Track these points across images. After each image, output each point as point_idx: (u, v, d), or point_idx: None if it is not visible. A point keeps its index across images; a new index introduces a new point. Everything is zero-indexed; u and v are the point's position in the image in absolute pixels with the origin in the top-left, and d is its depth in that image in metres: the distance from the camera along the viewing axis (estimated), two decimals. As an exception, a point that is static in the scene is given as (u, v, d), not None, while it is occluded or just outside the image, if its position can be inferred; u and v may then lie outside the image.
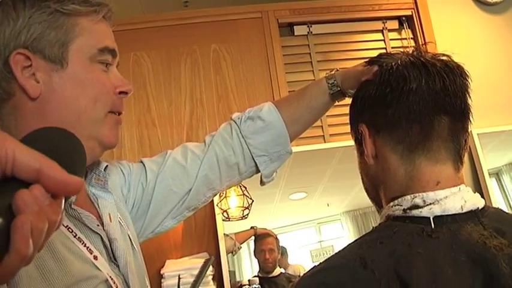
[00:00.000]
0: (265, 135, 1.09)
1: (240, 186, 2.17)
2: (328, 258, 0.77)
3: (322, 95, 1.08)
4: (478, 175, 2.41)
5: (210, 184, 1.07)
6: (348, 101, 2.48)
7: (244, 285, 2.10)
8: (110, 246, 0.81)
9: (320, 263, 0.76)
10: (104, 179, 0.90)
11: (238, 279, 2.20)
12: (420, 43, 2.57)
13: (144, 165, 1.06)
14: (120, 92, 0.86)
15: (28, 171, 0.40)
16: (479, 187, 2.39)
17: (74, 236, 0.74)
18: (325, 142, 2.41)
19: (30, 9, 0.79)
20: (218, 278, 2.09)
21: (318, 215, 2.46)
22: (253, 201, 2.15)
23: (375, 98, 0.82)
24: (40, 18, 0.79)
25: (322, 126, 2.45)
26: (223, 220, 2.17)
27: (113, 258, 0.81)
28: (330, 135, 2.43)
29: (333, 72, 1.08)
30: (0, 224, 0.38)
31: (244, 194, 2.15)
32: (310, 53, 2.56)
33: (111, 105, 0.85)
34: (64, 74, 0.79)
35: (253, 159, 1.09)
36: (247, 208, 2.16)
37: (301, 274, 2.26)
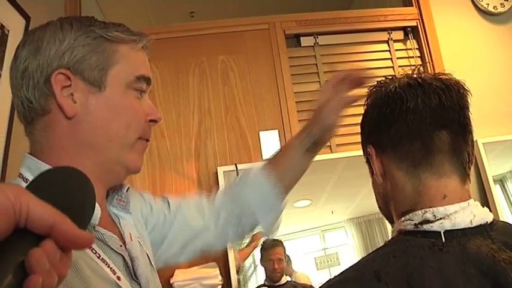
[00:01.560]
0: (255, 193, 1.12)
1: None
2: (343, 271, 0.79)
3: (303, 158, 1.14)
4: (483, 182, 2.42)
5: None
6: (355, 110, 2.51)
7: (263, 286, 2.12)
8: (132, 264, 0.83)
9: (335, 276, 0.79)
10: (125, 200, 0.92)
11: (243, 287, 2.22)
12: (426, 58, 2.59)
13: (166, 198, 1.12)
14: (151, 120, 0.89)
15: (41, 227, 0.41)
16: (484, 194, 2.41)
17: (98, 257, 0.75)
18: (331, 152, 2.43)
19: (77, 32, 0.82)
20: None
21: (322, 223, 2.47)
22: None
23: (378, 120, 0.87)
24: (84, 42, 0.82)
25: (328, 136, 2.46)
26: (231, 230, 2.18)
27: (134, 276, 0.82)
28: (337, 145, 2.45)
29: (304, 134, 1.13)
30: (11, 282, 0.39)
31: (252, 204, 2.17)
32: (316, 64, 2.58)
33: (142, 132, 0.87)
34: (101, 97, 0.82)
35: (247, 212, 1.13)
36: (255, 218, 2.18)
37: (304, 282, 2.27)
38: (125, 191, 0.93)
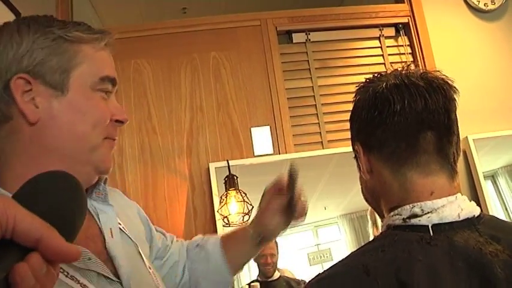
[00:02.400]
0: (207, 264, 1.16)
1: (240, 192, 2.19)
2: (333, 265, 0.80)
3: (251, 244, 1.16)
4: (473, 178, 2.44)
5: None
6: (346, 107, 2.52)
7: (254, 282, 2.13)
8: (113, 263, 0.82)
9: (324, 270, 0.80)
10: (104, 193, 0.90)
11: (235, 283, 2.22)
12: (418, 54, 2.60)
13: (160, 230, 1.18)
14: (117, 120, 0.87)
15: (28, 240, 0.40)
16: (474, 190, 2.42)
17: (66, 276, 0.73)
18: (323, 148, 2.44)
19: (34, 34, 0.79)
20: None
21: (315, 218, 2.47)
22: (253, 207, 2.18)
23: (365, 120, 0.88)
24: (43, 44, 0.79)
25: (320, 132, 2.48)
26: (223, 226, 2.19)
27: (112, 276, 0.80)
28: (328, 141, 2.46)
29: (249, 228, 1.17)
30: None
31: (244, 200, 2.17)
32: (308, 60, 2.59)
33: (107, 131, 0.85)
34: (64, 100, 0.79)
35: (197, 279, 1.16)
36: (247, 214, 2.18)
37: (289, 277, 2.28)
38: (102, 183, 0.91)
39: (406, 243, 0.77)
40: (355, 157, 0.94)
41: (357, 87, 0.94)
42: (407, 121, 0.83)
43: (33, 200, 0.45)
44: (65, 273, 0.73)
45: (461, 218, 0.79)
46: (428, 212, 0.79)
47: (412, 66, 0.90)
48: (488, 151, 2.48)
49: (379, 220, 0.98)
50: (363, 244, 0.85)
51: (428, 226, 0.78)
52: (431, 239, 0.77)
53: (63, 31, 0.80)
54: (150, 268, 0.91)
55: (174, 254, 1.14)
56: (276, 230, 1.15)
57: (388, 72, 0.91)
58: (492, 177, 2.50)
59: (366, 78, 0.93)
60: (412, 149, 0.83)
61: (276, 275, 2.29)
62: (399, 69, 0.89)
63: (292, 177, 1.04)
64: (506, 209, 2.47)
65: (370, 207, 1.00)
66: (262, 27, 2.56)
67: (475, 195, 2.41)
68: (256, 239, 1.14)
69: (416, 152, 0.83)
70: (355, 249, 0.83)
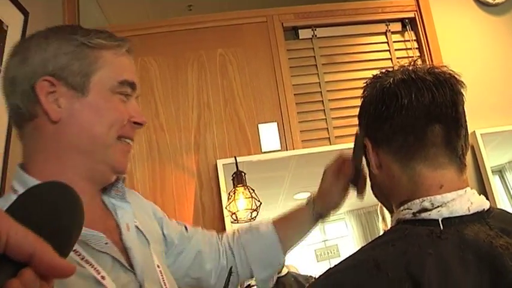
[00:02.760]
0: (260, 244, 1.21)
1: (248, 189, 2.19)
2: (343, 260, 0.80)
3: (309, 223, 1.25)
4: (481, 173, 2.43)
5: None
6: (353, 103, 2.52)
7: (253, 285, 2.13)
8: (127, 254, 0.87)
9: (335, 265, 0.80)
10: (122, 191, 0.96)
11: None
12: (424, 49, 2.59)
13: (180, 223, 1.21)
14: (135, 122, 0.92)
15: (21, 255, 0.40)
16: (482, 185, 2.41)
17: (82, 259, 0.77)
18: (330, 144, 2.44)
19: (60, 41, 0.86)
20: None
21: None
22: (261, 203, 2.18)
23: (374, 115, 0.89)
24: (67, 50, 0.86)
25: (327, 128, 2.48)
26: (231, 222, 2.19)
27: (128, 266, 0.85)
28: (336, 137, 2.46)
29: (310, 199, 1.24)
30: None
31: (252, 197, 2.18)
32: (315, 56, 2.58)
33: (122, 130, 0.90)
34: (84, 102, 0.86)
35: (249, 264, 1.20)
36: (255, 210, 2.18)
37: (296, 272, 2.28)
38: (121, 182, 0.96)
39: (417, 237, 0.77)
40: (364, 153, 0.94)
41: (365, 84, 0.95)
42: (414, 115, 0.83)
43: (26, 214, 0.44)
44: (81, 256, 0.77)
45: (471, 212, 0.80)
46: (438, 206, 0.80)
47: (419, 62, 0.91)
48: (496, 146, 2.47)
49: (388, 216, 0.98)
50: (370, 240, 0.85)
51: (438, 220, 0.79)
52: (441, 233, 0.77)
53: (86, 38, 0.87)
54: (159, 266, 0.94)
55: (197, 245, 1.16)
56: (337, 208, 1.25)
57: (395, 68, 0.91)
58: (500, 172, 2.49)
59: (373, 75, 0.94)
60: (420, 142, 0.83)
61: (284, 270, 2.29)
62: (406, 65, 0.90)
63: (357, 144, 1.02)
64: (514, 203, 2.46)
65: (379, 203, 1.00)
66: (268, 23, 2.56)
67: (483, 190, 2.40)
68: (317, 219, 1.23)
69: (424, 145, 0.83)
70: (364, 244, 0.84)
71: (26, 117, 0.86)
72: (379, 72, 0.94)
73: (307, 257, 2.41)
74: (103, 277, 0.78)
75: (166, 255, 1.09)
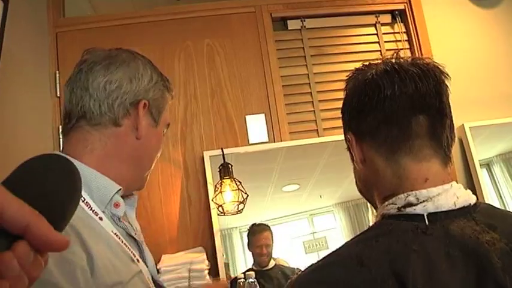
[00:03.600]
0: None
1: (235, 181, 2.18)
2: (326, 256, 0.79)
3: None
4: (469, 166, 2.44)
5: None
6: (341, 95, 2.50)
7: (240, 278, 2.12)
8: (140, 248, 1.00)
9: (318, 260, 0.78)
10: (133, 198, 1.07)
11: (232, 271, 2.22)
12: (414, 41, 2.58)
13: None
14: None
15: (15, 227, 0.40)
16: (470, 178, 2.42)
17: (122, 242, 0.90)
18: (318, 136, 2.43)
19: (159, 77, 1.05)
20: (214, 272, 2.10)
21: (311, 207, 2.46)
22: (248, 195, 2.16)
23: (356, 108, 0.87)
24: (160, 87, 1.05)
25: (316, 120, 2.46)
26: (218, 215, 2.18)
27: (143, 258, 0.98)
28: (324, 129, 2.44)
29: None
30: None
31: (239, 189, 2.16)
32: (303, 47, 2.56)
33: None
34: (154, 131, 1.04)
35: None
36: (242, 203, 2.17)
37: (283, 265, 2.29)
38: (134, 193, 1.09)
39: (401, 232, 0.76)
40: (348, 148, 0.93)
41: (347, 77, 0.93)
42: (398, 105, 0.82)
43: (22, 186, 0.44)
44: (120, 240, 0.90)
45: (457, 207, 0.78)
46: (423, 201, 0.78)
47: (402, 54, 0.90)
48: (484, 139, 2.48)
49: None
50: (358, 232, 0.84)
51: (423, 215, 0.77)
52: (427, 228, 0.75)
53: (167, 83, 1.08)
54: (153, 263, 1.07)
55: None
56: None
57: (379, 61, 0.90)
58: (487, 165, 2.50)
59: (355, 68, 0.93)
60: (405, 133, 0.82)
61: (271, 263, 2.28)
62: (389, 57, 0.88)
63: None
64: (500, 196, 2.47)
65: None
66: (257, 14, 2.53)
67: (471, 184, 2.40)
68: None
69: (409, 136, 0.82)
70: (352, 237, 0.82)
71: (109, 121, 0.98)
72: (360, 65, 0.92)
73: (296, 249, 2.41)
74: (138, 260, 0.92)
75: None
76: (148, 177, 1.08)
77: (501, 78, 2.64)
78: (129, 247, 0.92)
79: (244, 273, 2.14)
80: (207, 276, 2.01)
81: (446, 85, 0.85)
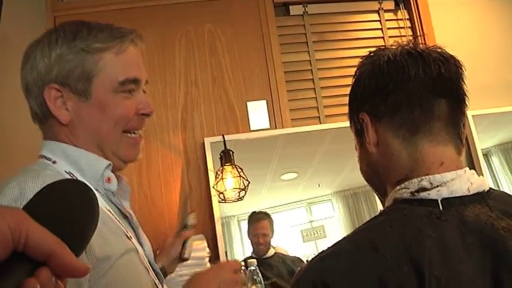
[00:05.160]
0: None
1: (236, 168, 2.16)
2: (337, 242, 0.77)
3: None
4: (472, 155, 2.43)
5: None
6: (344, 81, 2.48)
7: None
8: (136, 232, 0.98)
9: (328, 247, 0.76)
10: (126, 190, 1.03)
11: (230, 259, 2.21)
12: (417, 29, 2.56)
13: None
14: (142, 114, 0.98)
15: (39, 255, 0.41)
16: (473, 167, 2.41)
17: (115, 219, 0.90)
18: (320, 123, 2.41)
19: (61, 49, 0.93)
20: (214, 260, 2.09)
21: (309, 195, 2.45)
22: (249, 182, 2.14)
23: (375, 89, 0.85)
24: (68, 57, 0.92)
25: (317, 107, 2.44)
26: (219, 202, 2.16)
27: (139, 241, 0.97)
28: (326, 116, 2.42)
29: None
30: None
31: (240, 176, 2.14)
32: (305, 33, 2.53)
33: (128, 125, 0.97)
34: (89, 104, 0.93)
35: None
36: (243, 190, 2.15)
37: (284, 254, 2.27)
38: (124, 183, 1.03)
39: (415, 218, 0.74)
40: (356, 131, 0.90)
41: (360, 60, 0.92)
42: (422, 87, 0.82)
43: (44, 214, 0.45)
44: (114, 216, 0.90)
45: (471, 193, 0.77)
46: (437, 186, 0.77)
47: (418, 41, 0.89)
48: (483, 129, 2.47)
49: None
50: (356, 221, 0.82)
51: (437, 200, 0.76)
52: (441, 214, 0.74)
53: (85, 44, 0.93)
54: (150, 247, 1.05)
55: None
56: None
57: (391, 46, 0.89)
58: (485, 155, 2.49)
59: (369, 51, 0.91)
60: (426, 114, 0.82)
61: (271, 252, 2.27)
62: (404, 44, 0.88)
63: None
64: (498, 186, 2.48)
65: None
66: (258, -2, 2.50)
67: (473, 172, 2.39)
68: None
69: (430, 117, 0.82)
70: (352, 227, 0.81)
71: (41, 118, 0.95)
72: (375, 49, 0.91)
73: (294, 238, 2.40)
74: (131, 237, 0.91)
75: None
76: (124, 146, 0.97)
77: (503, 66, 2.62)
78: (122, 224, 0.91)
79: (245, 260, 2.13)
80: (208, 264, 2.00)
81: (463, 73, 0.86)
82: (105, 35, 0.94)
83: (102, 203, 0.87)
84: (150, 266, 0.96)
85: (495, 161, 2.51)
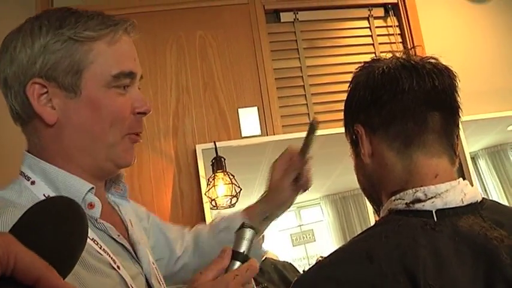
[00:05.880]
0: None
1: (228, 175, 2.16)
2: (333, 252, 0.78)
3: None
4: (460, 159, 2.45)
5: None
6: (334, 88, 2.49)
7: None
8: (133, 248, 0.86)
9: (325, 257, 0.77)
10: (123, 188, 0.94)
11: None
12: (407, 35, 2.59)
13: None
14: (139, 113, 0.86)
15: (27, 278, 0.41)
16: (461, 171, 2.44)
17: (100, 248, 0.77)
18: (310, 129, 2.42)
19: (46, 38, 0.79)
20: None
21: (298, 199, 2.44)
22: (241, 189, 2.15)
23: (370, 100, 0.86)
24: (54, 47, 0.79)
25: (308, 114, 2.45)
26: (211, 209, 2.16)
27: (136, 259, 0.86)
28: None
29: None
30: None
31: (232, 183, 2.14)
32: (296, 40, 2.55)
33: (128, 127, 0.85)
34: (79, 101, 0.81)
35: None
36: (235, 196, 2.15)
37: (274, 259, 2.27)
38: (122, 180, 0.94)
39: (410, 228, 0.75)
40: (352, 141, 0.91)
41: (355, 71, 0.92)
42: (415, 100, 0.82)
43: (32, 237, 0.45)
44: (98, 245, 0.77)
45: (464, 203, 0.78)
46: (432, 197, 0.78)
47: (412, 52, 0.90)
48: (471, 133, 2.51)
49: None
50: (345, 225, 0.84)
51: (432, 211, 0.77)
52: (435, 225, 0.75)
53: (73, 32, 0.80)
54: (153, 263, 0.94)
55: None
56: (284, 208, 1.16)
57: (386, 56, 0.90)
58: (473, 159, 2.53)
59: (364, 62, 0.92)
60: (420, 127, 0.82)
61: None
62: (398, 54, 0.88)
63: (310, 135, 0.98)
64: (485, 189, 2.53)
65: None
66: (249, 5, 2.51)
67: (462, 177, 2.41)
68: (262, 217, 1.15)
69: (424, 130, 0.82)
70: (341, 231, 0.82)
71: (24, 118, 0.82)
72: (370, 60, 0.92)
73: (283, 242, 2.41)
74: (118, 267, 0.78)
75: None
76: (121, 149, 0.85)
77: (488, 73, 2.66)
78: (109, 252, 0.79)
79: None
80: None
81: (457, 84, 0.86)
82: (96, 23, 0.82)
83: None
84: (154, 280, 0.88)
85: (482, 164, 2.57)
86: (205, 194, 2.15)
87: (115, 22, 0.84)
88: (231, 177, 2.16)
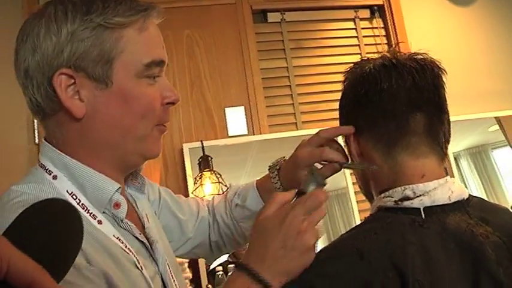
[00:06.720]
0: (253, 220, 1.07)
1: (215, 174, 2.17)
2: (323, 249, 0.79)
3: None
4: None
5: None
6: (320, 88, 2.50)
7: (218, 271, 2.12)
8: (151, 247, 0.83)
9: (316, 254, 0.78)
10: (141, 182, 0.91)
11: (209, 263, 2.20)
12: (392, 37, 2.61)
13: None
14: (168, 103, 0.82)
15: (20, 282, 0.41)
16: (445, 172, 2.47)
17: (125, 247, 0.76)
18: (297, 129, 2.43)
19: (73, 25, 0.74)
20: (194, 264, 2.10)
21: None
22: (228, 188, 2.15)
23: (353, 101, 0.87)
24: (83, 35, 0.74)
25: (294, 113, 2.47)
26: (197, 207, 2.16)
27: (154, 257, 0.83)
28: (303, 122, 2.45)
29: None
30: None
31: (219, 182, 2.15)
32: (283, 40, 2.56)
33: (158, 119, 0.81)
34: (109, 93, 0.76)
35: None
36: (222, 195, 2.16)
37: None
38: (140, 173, 0.91)
39: (399, 225, 0.77)
40: (345, 142, 0.92)
41: (345, 71, 0.93)
42: (395, 99, 0.82)
43: (26, 240, 0.45)
44: (124, 244, 0.76)
45: (452, 201, 0.80)
46: (420, 195, 0.79)
47: (401, 49, 0.90)
48: (452, 134, 2.53)
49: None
50: (329, 224, 0.84)
51: (420, 209, 0.78)
52: (423, 222, 0.77)
53: (103, 18, 0.75)
54: (166, 260, 0.90)
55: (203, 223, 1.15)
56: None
57: (376, 56, 0.90)
58: (455, 159, 2.58)
59: (354, 62, 0.92)
60: (402, 130, 0.82)
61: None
62: (387, 54, 0.88)
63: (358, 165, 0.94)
64: (467, 187, 2.53)
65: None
66: (237, 5, 2.52)
67: (446, 177, 2.45)
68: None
69: (406, 133, 0.82)
70: (324, 229, 0.83)
71: (47, 111, 0.77)
72: (359, 60, 0.92)
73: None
74: (141, 267, 0.76)
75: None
76: (152, 141, 0.81)
77: (472, 74, 2.70)
78: (133, 252, 0.77)
79: (221, 264, 2.13)
80: (187, 269, 2.00)
81: (443, 80, 0.86)
82: (125, 8, 0.77)
83: (109, 231, 0.75)
84: (168, 280, 0.85)
85: (464, 164, 2.61)
86: (192, 193, 2.15)
87: (144, 7, 0.79)
88: (218, 176, 2.16)
